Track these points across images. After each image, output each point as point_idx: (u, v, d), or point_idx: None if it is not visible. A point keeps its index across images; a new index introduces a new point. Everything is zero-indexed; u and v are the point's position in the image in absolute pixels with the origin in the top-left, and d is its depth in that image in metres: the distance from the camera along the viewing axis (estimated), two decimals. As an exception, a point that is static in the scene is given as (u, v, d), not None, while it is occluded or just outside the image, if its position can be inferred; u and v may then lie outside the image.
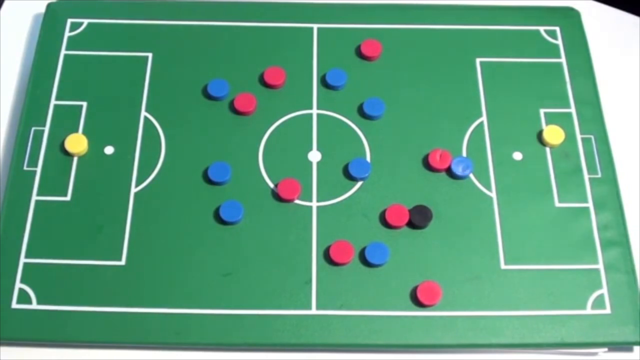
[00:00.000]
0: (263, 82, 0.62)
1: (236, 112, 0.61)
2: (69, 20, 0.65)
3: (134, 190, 0.57)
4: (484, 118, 0.61)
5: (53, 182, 0.58)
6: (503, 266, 0.55)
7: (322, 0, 0.67)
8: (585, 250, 0.56)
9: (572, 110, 0.62)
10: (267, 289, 0.54)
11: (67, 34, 0.64)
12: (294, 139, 0.60)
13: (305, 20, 0.65)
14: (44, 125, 0.60)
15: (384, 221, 0.56)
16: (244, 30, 0.65)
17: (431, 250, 0.56)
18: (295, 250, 0.55)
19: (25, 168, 0.58)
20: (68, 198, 0.57)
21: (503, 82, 0.63)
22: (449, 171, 0.58)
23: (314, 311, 0.53)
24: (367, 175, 0.58)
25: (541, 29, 0.66)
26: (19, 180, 0.58)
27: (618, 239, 0.56)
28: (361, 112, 0.61)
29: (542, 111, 0.62)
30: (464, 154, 0.59)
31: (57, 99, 0.61)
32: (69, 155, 0.59)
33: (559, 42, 0.65)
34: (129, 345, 0.53)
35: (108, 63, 0.63)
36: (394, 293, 0.54)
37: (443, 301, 0.54)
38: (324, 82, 0.62)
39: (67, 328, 0.52)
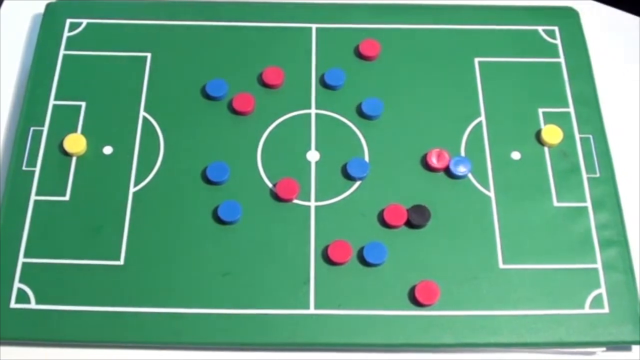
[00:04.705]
0: (262, 82, 0.62)
1: (235, 112, 0.61)
2: (68, 20, 0.65)
3: (132, 190, 0.58)
4: (482, 118, 0.61)
5: (52, 182, 0.58)
6: (501, 265, 0.55)
7: (321, 0, 0.67)
8: (583, 250, 0.56)
9: (571, 109, 0.62)
10: (266, 288, 0.54)
11: (66, 34, 0.64)
12: (293, 138, 0.60)
13: (304, 20, 0.65)
14: (43, 125, 0.60)
15: (382, 221, 0.56)
16: (243, 30, 0.65)
17: (429, 249, 0.56)
18: (294, 250, 0.55)
19: (24, 168, 0.58)
20: (67, 198, 0.57)
21: (502, 82, 0.63)
22: (448, 171, 0.58)
23: (312, 311, 0.53)
24: (365, 174, 0.58)
25: (540, 28, 0.66)
26: (18, 180, 0.58)
27: (616, 239, 0.56)
28: (360, 111, 0.61)
29: (540, 111, 0.62)
30: (463, 153, 0.59)
31: (56, 99, 0.61)
32: (67, 155, 0.59)
33: (558, 41, 0.65)
34: (128, 345, 0.53)
35: (107, 63, 0.63)
36: (392, 292, 0.54)
37: (441, 300, 0.54)
38: (322, 82, 0.62)
39: (66, 328, 0.52)
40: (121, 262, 0.55)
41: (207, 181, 0.58)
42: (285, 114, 0.61)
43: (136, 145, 0.59)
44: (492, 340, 0.53)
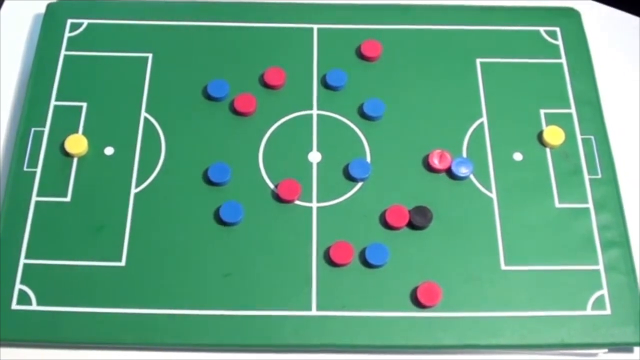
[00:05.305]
0: (263, 83, 0.62)
1: (236, 112, 0.61)
2: (69, 21, 0.65)
3: (134, 191, 0.57)
4: (484, 118, 0.61)
5: (53, 183, 0.58)
6: (503, 267, 0.55)
7: (322, 1, 0.67)
8: (585, 251, 0.56)
9: (572, 110, 0.62)
10: (267, 289, 0.54)
11: (67, 34, 0.64)
12: (294, 139, 0.60)
13: (305, 20, 0.65)
14: (44, 126, 0.60)
15: (384, 222, 0.56)
16: (244, 30, 0.65)
17: (431, 251, 0.56)
18: (295, 251, 0.55)
19: (25, 169, 0.58)
20: (68, 199, 0.57)
21: (503, 83, 0.63)
22: (449, 172, 0.58)
23: (314, 312, 0.53)
24: (367, 175, 0.58)
25: (541, 29, 0.66)
26: (19, 181, 0.57)
27: (618, 240, 0.56)
28: (361, 112, 0.61)
29: (542, 112, 0.62)
30: (464, 154, 0.59)
31: (57, 99, 0.61)
32: (69, 156, 0.59)
33: (559, 42, 0.65)
34: (129, 347, 0.53)
35: (108, 63, 0.63)
36: (394, 294, 0.54)
37: (443, 302, 0.53)
38: (324, 83, 0.62)
39: (67, 329, 0.52)
40: (122, 263, 0.55)
41: (209, 182, 0.58)
42: (286, 114, 0.61)
43: (137, 146, 0.59)
44: (494, 341, 0.53)
